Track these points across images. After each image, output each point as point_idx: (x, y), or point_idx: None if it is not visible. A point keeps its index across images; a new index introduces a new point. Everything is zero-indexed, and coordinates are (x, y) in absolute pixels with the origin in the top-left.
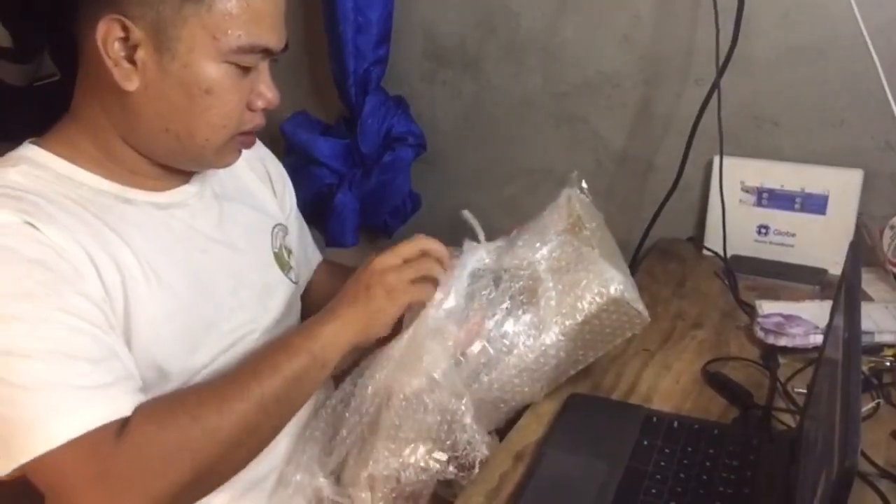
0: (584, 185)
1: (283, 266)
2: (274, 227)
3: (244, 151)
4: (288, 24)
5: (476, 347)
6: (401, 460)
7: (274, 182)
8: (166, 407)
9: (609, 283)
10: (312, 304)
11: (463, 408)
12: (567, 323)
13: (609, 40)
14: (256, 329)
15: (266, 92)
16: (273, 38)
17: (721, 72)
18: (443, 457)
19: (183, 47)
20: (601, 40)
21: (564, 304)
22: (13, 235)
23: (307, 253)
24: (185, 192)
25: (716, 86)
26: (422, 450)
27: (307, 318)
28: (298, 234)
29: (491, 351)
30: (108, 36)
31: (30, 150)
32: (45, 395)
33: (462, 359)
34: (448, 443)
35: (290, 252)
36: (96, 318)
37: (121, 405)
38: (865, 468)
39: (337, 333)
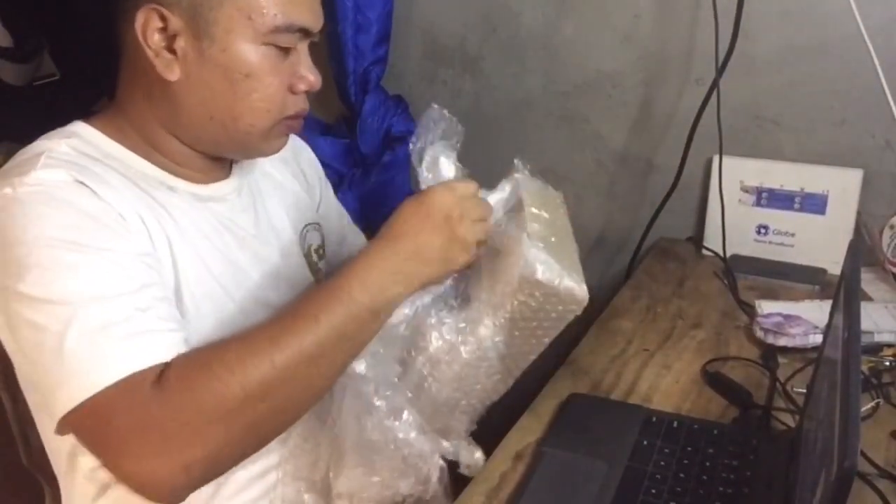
0: (527, 169)
1: (312, 268)
2: (304, 228)
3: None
4: None
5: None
6: (365, 478)
7: (307, 175)
8: (204, 358)
9: (529, 265)
10: None
11: (403, 424)
12: (498, 313)
13: (609, 40)
14: None
15: (308, 74)
16: (310, 17)
17: (721, 71)
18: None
19: (220, 31)
20: (601, 40)
21: (494, 293)
22: (68, 190)
23: (346, 238)
24: (224, 187)
25: (715, 85)
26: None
27: None
28: (337, 220)
29: (430, 351)
30: (146, 27)
31: (80, 128)
32: (87, 344)
33: (401, 367)
34: (396, 461)
35: (320, 253)
36: (143, 272)
37: (159, 351)
38: (865, 468)
39: (417, 272)
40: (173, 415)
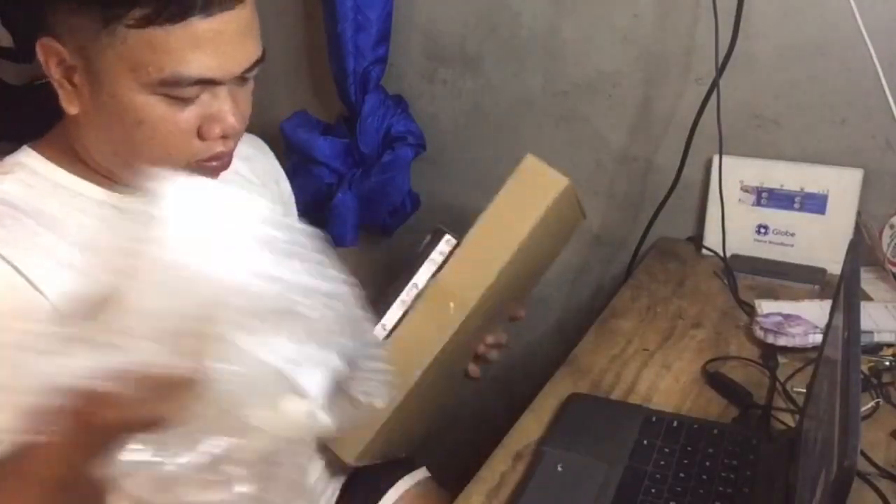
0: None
1: None
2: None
3: (257, 168)
4: (288, 24)
5: None
6: None
7: (286, 204)
8: None
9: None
10: None
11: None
12: None
13: (609, 40)
14: None
15: (227, 117)
16: (214, 66)
17: (720, 71)
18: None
19: (107, 77)
20: (601, 40)
21: None
22: None
23: None
24: None
25: (715, 85)
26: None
27: None
28: None
29: None
30: (47, 57)
31: (26, 157)
32: None
33: None
34: None
35: None
36: None
37: None
38: (865, 468)
39: None
40: None
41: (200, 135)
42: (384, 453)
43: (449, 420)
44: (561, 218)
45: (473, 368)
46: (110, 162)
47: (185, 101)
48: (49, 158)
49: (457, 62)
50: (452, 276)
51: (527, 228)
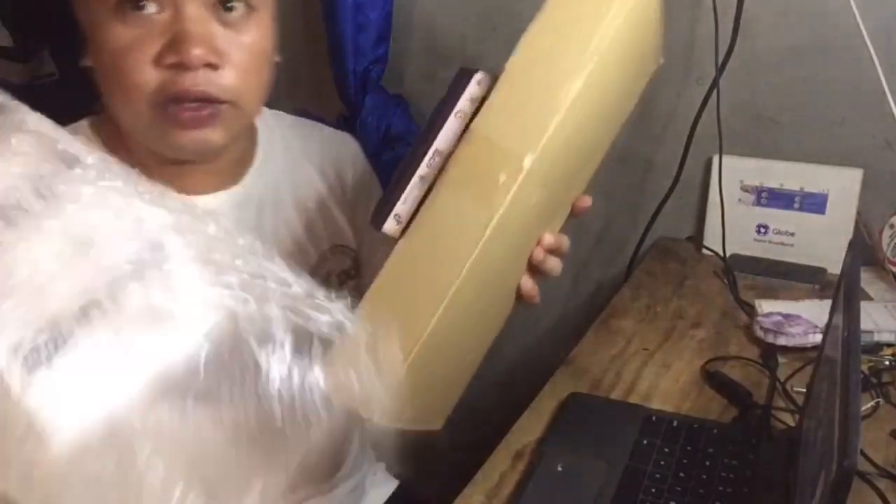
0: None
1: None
2: (327, 250)
3: (315, 148)
4: (287, 23)
5: None
6: None
7: (348, 190)
8: None
9: None
10: None
11: None
12: None
13: None
14: None
15: (186, 38)
16: None
17: (720, 71)
18: None
19: (82, 12)
20: None
21: None
22: None
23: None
24: (216, 200)
25: (715, 85)
26: None
27: None
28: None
29: None
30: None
31: (80, 132)
32: None
33: None
34: None
35: (342, 278)
36: None
37: None
38: (865, 467)
39: None
40: None
41: (157, 61)
42: (427, 413)
43: (449, 419)
44: (639, 42)
45: (528, 284)
46: (130, 140)
47: (141, 16)
48: (101, 137)
49: (457, 62)
50: (494, 130)
51: (596, 46)
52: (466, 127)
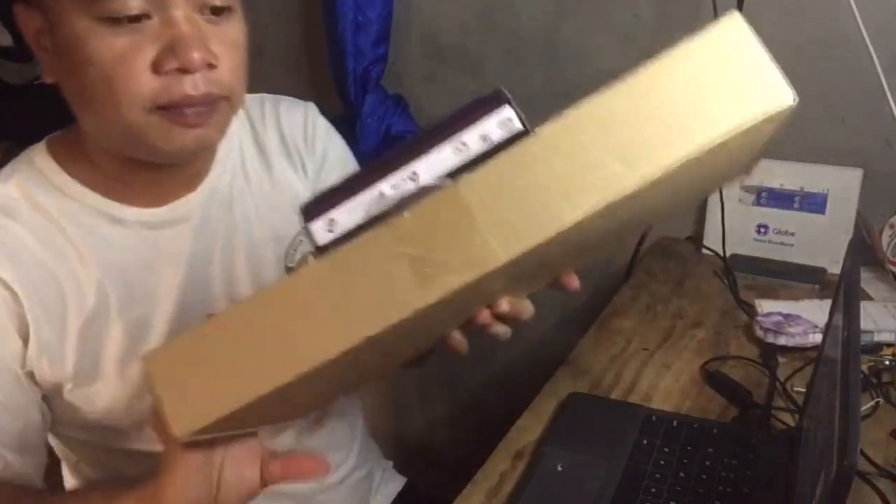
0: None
1: None
2: (297, 235)
3: (282, 126)
4: (288, 24)
5: None
6: None
7: (313, 170)
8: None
9: None
10: None
11: None
12: None
13: (609, 40)
14: None
15: (185, 41)
16: None
17: None
18: None
19: (58, 20)
20: (601, 40)
21: None
22: None
23: None
24: (186, 205)
25: None
26: None
27: None
28: None
29: None
30: (22, 23)
31: (37, 156)
32: None
33: None
34: None
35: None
36: None
37: None
38: (865, 467)
39: None
40: None
41: (156, 68)
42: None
43: (449, 419)
44: (724, 167)
45: (457, 340)
46: (95, 136)
47: (131, 25)
48: (56, 157)
49: (457, 62)
50: (480, 208)
51: (672, 163)
52: (459, 170)
